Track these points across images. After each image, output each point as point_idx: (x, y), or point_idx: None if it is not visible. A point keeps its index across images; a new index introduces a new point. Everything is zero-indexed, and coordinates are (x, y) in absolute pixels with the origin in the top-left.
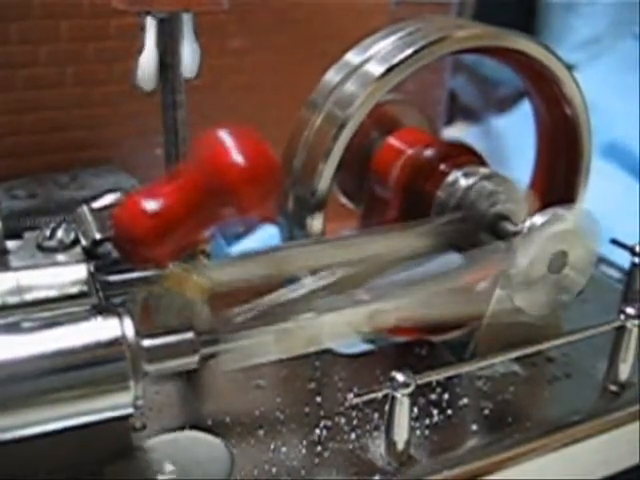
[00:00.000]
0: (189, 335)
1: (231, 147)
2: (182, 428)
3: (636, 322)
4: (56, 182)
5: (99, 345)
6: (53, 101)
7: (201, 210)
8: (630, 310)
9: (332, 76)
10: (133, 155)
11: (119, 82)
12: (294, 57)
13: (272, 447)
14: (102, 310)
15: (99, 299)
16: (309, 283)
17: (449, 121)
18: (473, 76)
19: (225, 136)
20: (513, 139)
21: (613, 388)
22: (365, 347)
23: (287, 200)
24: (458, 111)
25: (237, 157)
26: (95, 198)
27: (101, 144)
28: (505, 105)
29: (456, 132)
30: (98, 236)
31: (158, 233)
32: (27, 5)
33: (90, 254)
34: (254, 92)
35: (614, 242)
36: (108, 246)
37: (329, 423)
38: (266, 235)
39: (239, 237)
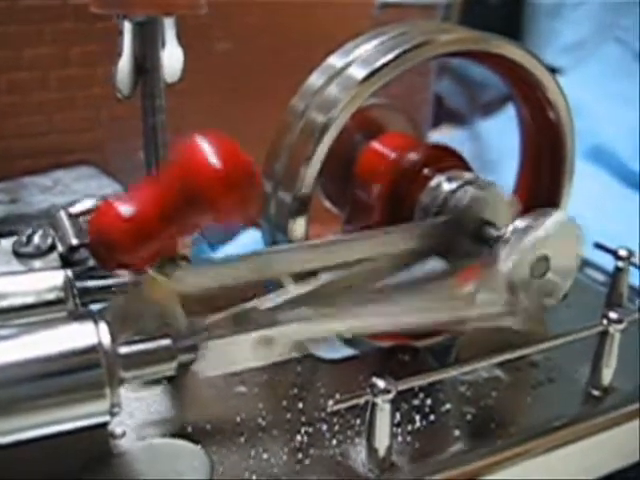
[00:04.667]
0: (166, 342)
1: (208, 154)
2: (162, 435)
3: (619, 327)
4: (38, 186)
5: (75, 352)
6: (36, 105)
7: (177, 216)
8: (613, 315)
9: (315, 80)
10: (116, 159)
11: (102, 85)
12: (278, 60)
13: (252, 454)
14: (78, 317)
15: (76, 305)
16: (292, 290)
17: (435, 124)
18: (459, 79)
19: (202, 143)
20: (499, 142)
21: (596, 393)
22: (348, 352)
23: (269, 204)
24: (444, 114)
25: (213, 164)
26: (73, 203)
27: (84, 148)
28: (491, 108)
29: (442, 135)
30: (75, 242)
31: (132, 238)
32: (10, 9)
33: (66, 260)
34: (238, 95)
35: (598, 246)
36: (85, 252)
37: (310, 429)
38: (251, 240)
39: (223, 242)
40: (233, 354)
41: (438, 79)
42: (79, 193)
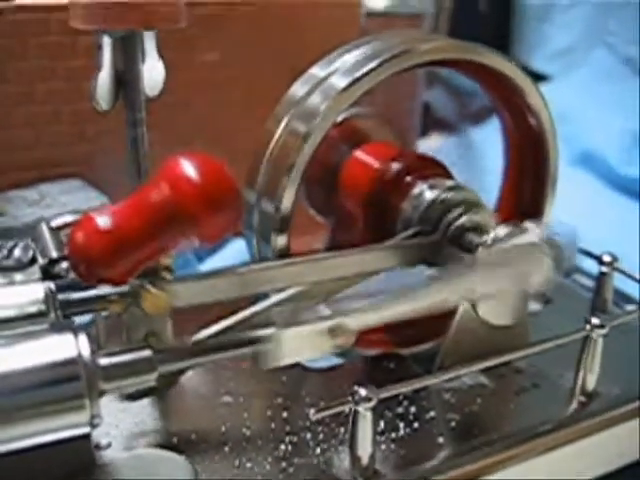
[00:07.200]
0: (146, 353)
1: (190, 171)
2: (148, 445)
3: (601, 332)
4: (25, 200)
5: (54, 365)
6: (22, 119)
7: (157, 232)
8: (595, 320)
9: (297, 89)
10: (104, 172)
11: (89, 99)
12: (266, 72)
13: (236, 464)
14: (58, 329)
15: (57, 318)
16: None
17: (424, 133)
18: (449, 88)
19: (185, 160)
20: (489, 151)
21: (581, 398)
22: (333, 361)
23: (252, 215)
24: (433, 123)
25: (195, 181)
26: (56, 216)
27: (71, 161)
28: (481, 117)
29: (431, 144)
30: (55, 255)
31: (110, 252)
32: None
33: (47, 273)
34: (225, 107)
35: (582, 251)
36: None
37: (295, 439)
38: (237, 250)
39: (209, 252)
40: (306, 343)
41: (428, 88)
42: (66, 206)
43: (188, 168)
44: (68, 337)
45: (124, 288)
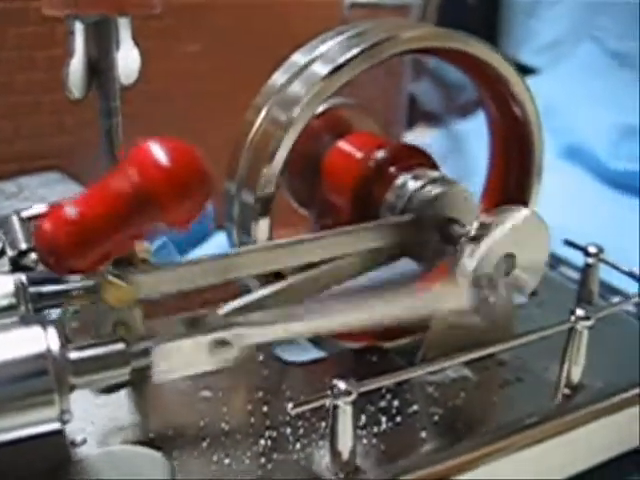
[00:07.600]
0: (119, 346)
1: (155, 153)
2: (124, 442)
3: (586, 324)
4: (3, 192)
5: (22, 359)
6: (1, 110)
7: (125, 218)
8: (580, 312)
9: (278, 77)
10: (84, 164)
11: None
12: (249, 62)
13: (215, 459)
14: (27, 323)
15: (28, 311)
16: (255, 293)
17: (410, 125)
18: (435, 80)
19: (150, 144)
20: (476, 143)
21: (566, 391)
22: (315, 355)
23: (233, 205)
24: (420, 115)
25: (160, 162)
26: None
27: (50, 153)
28: (468, 109)
29: (417, 136)
30: (24, 246)
31: (77, 241)
32: None
33: (16, 264)
34: (205, 98)
35: (568, 243)
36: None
37: (274, 434)
38: (220, 243)
39: (192, 246)
40: (187, 357)
41: (415, 80)
42: (45, 199)
43: (156, 152)
44: (37, 330)
45: (90, 282)
